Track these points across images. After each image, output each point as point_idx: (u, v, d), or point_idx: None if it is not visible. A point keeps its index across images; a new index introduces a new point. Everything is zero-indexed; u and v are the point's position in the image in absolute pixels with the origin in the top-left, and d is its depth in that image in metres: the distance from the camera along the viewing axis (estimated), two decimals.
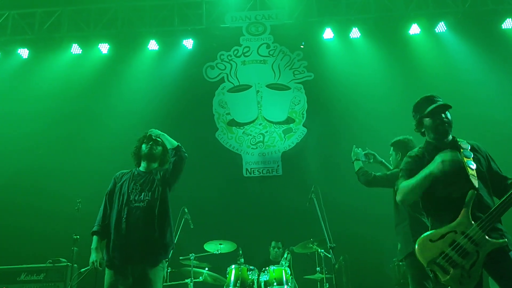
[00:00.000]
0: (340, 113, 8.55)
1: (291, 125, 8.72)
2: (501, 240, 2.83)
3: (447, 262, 2.84)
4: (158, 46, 9.07)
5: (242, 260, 6.03)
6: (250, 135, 8.69)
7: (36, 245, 7.24)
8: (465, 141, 3.23)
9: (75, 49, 9.03)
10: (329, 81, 8.76)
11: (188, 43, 9.07)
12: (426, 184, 3.01)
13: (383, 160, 5.13)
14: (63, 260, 6.14)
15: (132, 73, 9.01)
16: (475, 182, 2.96)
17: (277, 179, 8.39)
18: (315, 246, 6.15)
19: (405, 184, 3.11)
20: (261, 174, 8.44)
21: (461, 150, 3.12)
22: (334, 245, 5.17)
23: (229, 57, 9.12)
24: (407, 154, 3.37)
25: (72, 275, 5.88)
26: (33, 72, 8.99)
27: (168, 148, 4.07)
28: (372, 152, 5.16)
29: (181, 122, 8.60)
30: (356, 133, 8.06)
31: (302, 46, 9.14)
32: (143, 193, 3.87)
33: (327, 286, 6.02)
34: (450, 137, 3.24)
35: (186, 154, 4.07)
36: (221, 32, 9.08)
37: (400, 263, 6.19)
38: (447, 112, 3.18)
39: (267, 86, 8.93)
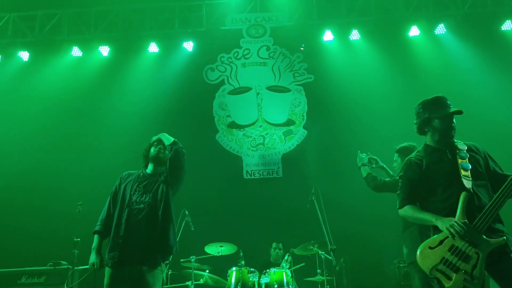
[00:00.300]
0: (340, 115, 8.56)
1: (291, 127, 8.72)
2: (500, 239, 2.84)
3: (449, 267, 2.86)
4: (158, 49, 9.08)
5: (243, 262, 6.02)
6: (251, 137, 8.69)
7: (37, 248, 7.24)
8: (462, 142, 3.25)
9: (76, 51, 9.04)
10: (329, 83, 8.76)
11: (189, 45, 9.09)
12: (425, 224, 3.14)
13: (385, 166, 5.13)
14: (64, 262, 6.13)
15: (132, 76, 9.02)
16: (467, 184, 2.98)
17: (278, 181, 8.39)
18: (315, 248, 6.15)
19: (410, 213, 3.18)
20: (262, 176, 8.44)
21: (457, 151, 3.14)
22: (335, 247, 5.18)
23: (230, 59, 9.13)
24: (406, 159, 3.39)
25: (73, 278, 5.88)
26: (34, 74, 9.00)
27: (166, 142, 4.06)
28: (374, 157, 5.16)
29: (181, 124, 8.60)
30: (356, 135, 8.08)
31: (302, 48, 9.15)
32: (144, 195, 3.86)
33: None
34: None
35: (184, 150, 4.04)
36: (221, 34, 9.09)
37: (401, 265, 6.20)
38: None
39: (267, 88, 8.94)
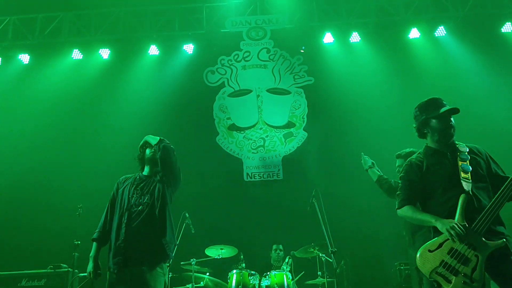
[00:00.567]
0: (340, 117, 8.56)
1: (292, 129, 8.72)
2: (499, 242, 2.84)
3: (448, 270, 2.85)
4: (158, 51, 9.08)
5: (244, 265, 6.02)
6: (251, 139, 8.69)
7: (37, 251, 7.24)
8: (463, 144, 3.24)
9: (76, 54, 9.04)
10: (329, 86, 8.76)
11: (189, 48, 9.09)
12: (424, 224, 3.15)
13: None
14: (64, 265, 6.12)
15: (132, 78, 9.02)
16: (466, 186, 2.98)
17: (278, 183, 8.39)
18: (316, 251, 6.14)
19: (409, 214, 3.18)
20: (262, 179, 8.43)
21: (458, 153, 3.14)
22: (336, 249, 5.17)
23: (230, 62, 9.13)
24: (407, 160, 3.39)
25: (73, 281, 5.87)
26: (34, 77, 9.00)
27: (153, 142, 4.04)
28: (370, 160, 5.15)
29: (181, 127, 8.63)
30: (356, 137, 8.08)
31: (302, 51, 9.15)
32: (143, 197, 3.87)
33: None
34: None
35: (171, 146, 4.03)
36: (221, 37, 9.09)
37: (402, 267, 6.19)
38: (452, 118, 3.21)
39: (268, 90, 8.95)
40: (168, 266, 4.03)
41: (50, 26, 8.94)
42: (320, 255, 6.12)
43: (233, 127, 8.79)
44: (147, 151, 4.10)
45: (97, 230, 3.91)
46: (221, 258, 6.38)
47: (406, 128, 3.97)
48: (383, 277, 6.95)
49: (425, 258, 2.94)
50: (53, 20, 8.97)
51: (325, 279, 6.00)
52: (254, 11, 9.20)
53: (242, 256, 6.15)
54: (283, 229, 7.61)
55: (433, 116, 3.21)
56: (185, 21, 9.05)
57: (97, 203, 4.15)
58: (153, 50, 9.04)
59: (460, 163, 3.09)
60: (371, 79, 8.75)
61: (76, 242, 5.92)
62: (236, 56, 9.15)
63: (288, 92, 8.93)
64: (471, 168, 3.07)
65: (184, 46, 9.08)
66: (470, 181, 3.01)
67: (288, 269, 6.05)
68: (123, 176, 4.14)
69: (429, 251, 2.95)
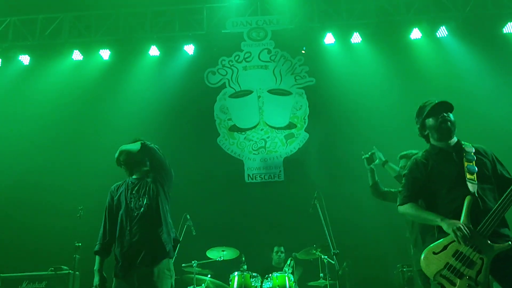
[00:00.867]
0: (342, 118, 8.54)
1: (293, 130, 8.70)
2: (504, 244, 2.81)
3: (453, 273, 2.83)
4: (159, 52, 9.06)
5: (245, 266, 6.00)
6: (252, 140, 8.67)
7: (38, 253, 7.22)
8: (470, 144, 3.22)
9: (76, 55, 9.02)
10: (330, 86, 8.75)
11: (189, 48, 9.07)
12: (427, 223, 3.10)
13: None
14: (65, 267, 6.13)
15: (133, 79, 9.00)
16: (472, 187, 2.95)
17: (279, 184, 8.37)
18: (318, 253, 6.12)
19: (412, 211, 3.16)
20: (263, 180, 8.41)
21: (464, 154, 3.11)
22: (338, 251, 5.15)
23: (230, 63, 9.11)
24: (412, 157, 3.37)
25: (74, 283, 5.86)
26: (34, 78, 8.99)
27: (136, 151, 3.96)
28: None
29: (182, 128, 8.62)
30: (358, 138, 8.04)
31: (303, 51, 9.14)
32: (141, 199, 3.85)
33: None
34: (455, 139, 3.24)
35: (152, 145, 3.98)
36: (222, 38, 9.07)
37: (404, 269, 6.16)
38: (449, 114, 3.19)
39: (269, 91, 8.93)
40: (171, 269, 3.99)
41: (50, 27, 8.93)
42: (322, 256, 6.09)
43: (234, 128, 8.78)
44: (122, 157, 4.02)
45: (98, 243, 3.88)
46: (223, 260, 6.36)
47: (408, 128, 3.97)
48: (385, 279, 6.92)
49: (430, 260, 2.91)
50: (53, 21, 8.96)
51: (327, 281, 5.97)
52: (255, 12, 9.18)
53: (243, 258, 6.14)
54: (284, 231, 7.58)
55: (427, 115, 3.22)
56: (186, 22, 9.04)
57: (98, 204, 4.13)
58: (154, 51, 9.01)
59: (466, 163, 3.06)
60: (372, 80, 8.73)
61: (77, 244, 5.92)
62: (237, 57, 9.13)
63: (289, 93, 8.91)
64: (477, 169, 3.04)
65: (185, 47, 9.05)
66: (476, 182, 2.98)
67: (290, 271, 6.04)
68: (114, 185, 4.09)
69: (434, 253, 2.92)
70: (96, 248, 3.86)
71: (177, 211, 6.12)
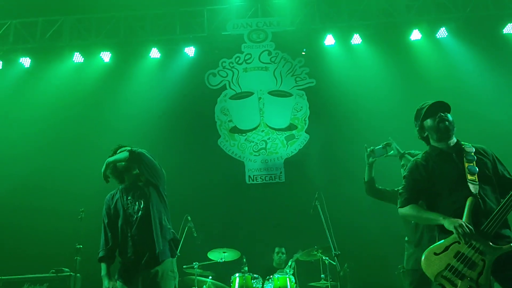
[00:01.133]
0: (342, 119, 8.54)
1: (294, 131, 8.70)
2: (506, 246, 2.81)
3: (454, 274, 2.82)
4: (160, 54, 9.07)
5: (246, 268, 6.00)
6: (253, 142, 8.67)
7: (39, 255, 7.21)
8: (470, 144, 3.21)
9: (77, 57, 9.04)
10: (331, 87, 8.75)
11: (190, 50, 9.08)
12: (429, 223, 3.13)
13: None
14: (66, 269, 6.13)
15: (134, 82, 9.00)
16: (473, 188, 2.95)
17: (280, 186, 8.36)
18: (319, 254, 6.11)
19: (413, 212, 3.15)
20: (264, 181, 8.41)
21: (464, 154, 3.11)
22: (339, 252, 5.15)
23: (231, 64, 9.12)
24: (412, 159, 3.37)
25: (75, 285, 5.86)
26: (35, 80, 8.99)
27: (125, 160, 3.91)
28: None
29: (183, 129, 8.64)
30: (358, 139, 7.99)
31: (303, 53, 9.14)
32: (137, 203, 3.86)
33: None
34: (455, 139, 3.23)
35: (139, 150, 3.93)
36: (222, 40, 9.08)
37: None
38: (447, 114, 3.19)
39: (269, 93, 8.93)
40: (174, 268, 4.00)
41: (51, 30, 8.94)
42: (324, 258, 6.09)
43: (234, 130, 8.78)
44: (118, 165, 4.00)
45: (100, 249, 3.87)
46: (224, 261, 6.37)
47: (408, 129, 3.95)
48: (386, 280, 6.89)
49: (431, 260, 2.90)
50: (54, 23, 8.97)
51: (329, 282, 5.97)
52: (255, 14, 9.19)
53: (244, 260, 6.14)
54: (286, 232, 7.58)
55: (424, 117, 3.23)
56: (186, 24, 9.06)
57: (99, 206, 4.12)
58: (154, 53, 9.03)
59: (466, 164, 3.06)
60: (372, 81, 8.73)
61: (78, 246, 5.92)
62: (237, 59, 9.14)
63: (290, 94, 8.91)
64: (478, 170, 3.03)
65: (186, 49, 9.07)
66: (477, 183, 2.97)
67: (291, 272, 6.03)
68: (108, 194, 4.09)
69: (435, 254, 2.91)
70: (100, 254, 3.85)
71: (178, 212, 6.15)
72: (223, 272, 6.44)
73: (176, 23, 9.04)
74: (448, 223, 2.89)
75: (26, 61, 9.04)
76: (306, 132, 8.68)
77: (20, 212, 7.93)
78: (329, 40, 8.92)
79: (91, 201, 6.68)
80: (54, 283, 6.02)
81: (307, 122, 8.74)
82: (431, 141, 3.29)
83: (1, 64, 9.03)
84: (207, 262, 6.32)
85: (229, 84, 9.03)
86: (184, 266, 6.14)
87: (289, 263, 6.15)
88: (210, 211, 7.83)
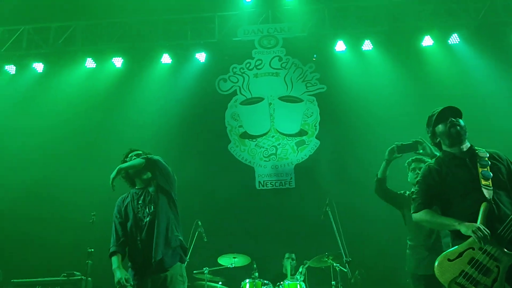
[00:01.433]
0: (353, 125, 8.51)
1: (304, 137, 8.69)
2: None
3: (468, 281, 2.79)
4: (171, 60, 9.13)
5: (257, 274, 5.97)
6: (263, 147, 8.68)
7: (51, 259, 7.26)
8: (484, 149, 3.19)
9: (89, 63, 9.13)
10: (342, 93, 8.73)
11: (201, 56, 9.12)
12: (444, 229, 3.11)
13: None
14: (77, 273, 6.14)
15: (145, 87, 9.07)
16: (487, 194, 2.92)
17: (290, 191, 8.35)
18: (330, 260, 6.07)
19: (428, 217, 3.13)
20: (274, 187, 8.41)
21: (478, 159, 3.09)
22: (350, 259, 5.11)
23: (242, 70, 9.15)
24: (425, 164, 3.35)
25: None
26: (48, 86, 9.10)
27: (140, 167, 3.94)
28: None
29: (194, 134, 8.67)
30: (369, 145, 7.98)
31: (314, 59, 9.14)
32: (147, 207, 3.89)
33: None
34: (468, 144, 3.21)
35: (155, 157, 3.99)
36: (233, 46, 9.11)
37: None
38: (459, 119, 3.18)
39: (280, 98, 8.94)
40: (183, 273, 4.00)
41: (63, 35, 9.03)
42: (334, 264, 6.04)
43: (245, 135, 8.79)
44: (131, 171, 4.02)
45: (112, 245, 3.90)
46: (234, 267, 6.35)
47: (420, 135, 3.93)
48: (398, 287, 6.85)
49: (444, 267, 2.87)
50: (66, 29, 9.07)
51: None
52: (266, 20, 9.21)
53: (255, 265, 6.11)
54: (296, 238, 7.55)
55: (435, 123, 3.23)
56: (197, 30, 9.12)
57: (110, 210, 4.15)
58: (166, 58, 9.09)
59: (480, 169, 3.03)
60: (383, 87, 8.68)
61: (90, 250, 5.91)
62: (248, 64, 9.17)
63: (300, 100, 8.91)
64: (492, 175, 3.00)
65: (197, 54, 9.11)
66: (491, 188, 2.94)
67: (302, 278, 5.99)
68: (120, 198, 4.13)
69: (449, 260, 2.88)
70: (112, 249, 3.87)
71: (189, 217, 6.15)
72: (233, 277, 6.43)
73: (187, 29, 9.10)
74: (465, 228, 2.86)
75: (39, 66, 9.15)
76: (316, 138, 8.66)
77: (32, 217, 7.98)
78: (340, 46, 8.91)
79: (103, 206, 6.73)
80: (66, 286, 6.02)
81: (318, 128, 8.73)
82: (444, 147, 3.28)
83: (14, 69, 9.15)
84: (217, 268, 6.31)
85: (240, 90, 9.05)
86: (194, 271, 6.14)
87: (300, 270, 6.11)
88: (220, 216, 7.83)
